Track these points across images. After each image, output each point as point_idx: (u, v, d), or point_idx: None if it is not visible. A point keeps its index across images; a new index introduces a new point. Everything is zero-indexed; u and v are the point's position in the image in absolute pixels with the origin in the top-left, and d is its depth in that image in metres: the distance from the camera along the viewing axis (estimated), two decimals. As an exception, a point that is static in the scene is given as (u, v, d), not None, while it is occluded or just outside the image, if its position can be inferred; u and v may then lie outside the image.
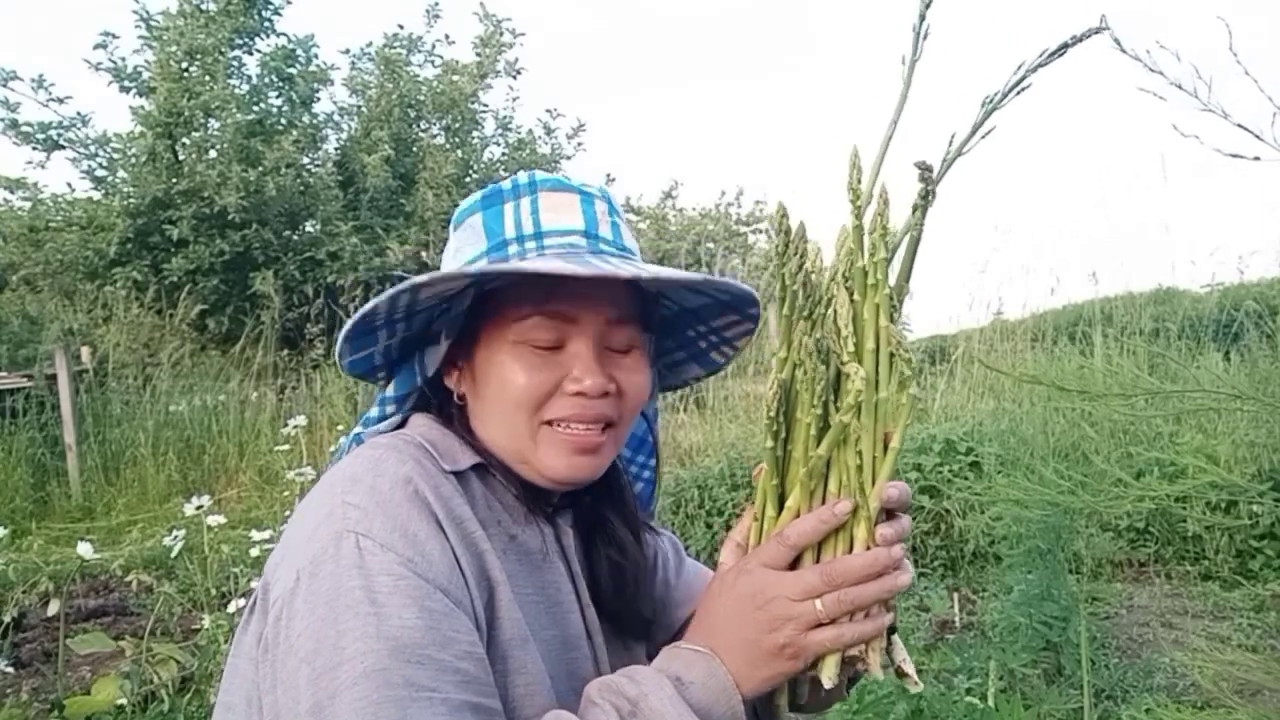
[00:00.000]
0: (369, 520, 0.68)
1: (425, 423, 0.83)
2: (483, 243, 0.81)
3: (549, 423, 0.79)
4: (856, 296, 0.70)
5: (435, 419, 0.84)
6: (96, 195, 10.31)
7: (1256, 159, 1.22)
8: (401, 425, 0.85)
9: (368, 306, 0.76)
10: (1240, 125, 1.20)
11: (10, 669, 3.21)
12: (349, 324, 0.77)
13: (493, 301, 0.80)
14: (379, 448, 0.75)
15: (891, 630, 0.75)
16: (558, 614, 0.81)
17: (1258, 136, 1.20)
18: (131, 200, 9.52)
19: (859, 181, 0.71)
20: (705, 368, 0.97)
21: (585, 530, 0.89)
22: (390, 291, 0.75)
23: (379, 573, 0.65)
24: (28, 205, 10.01)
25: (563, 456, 0.79)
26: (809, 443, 0.71)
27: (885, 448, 0.72)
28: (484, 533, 0.75)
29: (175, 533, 2.88)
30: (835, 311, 0.70)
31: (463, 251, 0.82)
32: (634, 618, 0.90)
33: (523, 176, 0.83)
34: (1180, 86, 1.21)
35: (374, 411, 0.85)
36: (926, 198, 0.71)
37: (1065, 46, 0.71)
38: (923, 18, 0.72)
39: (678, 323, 0.93)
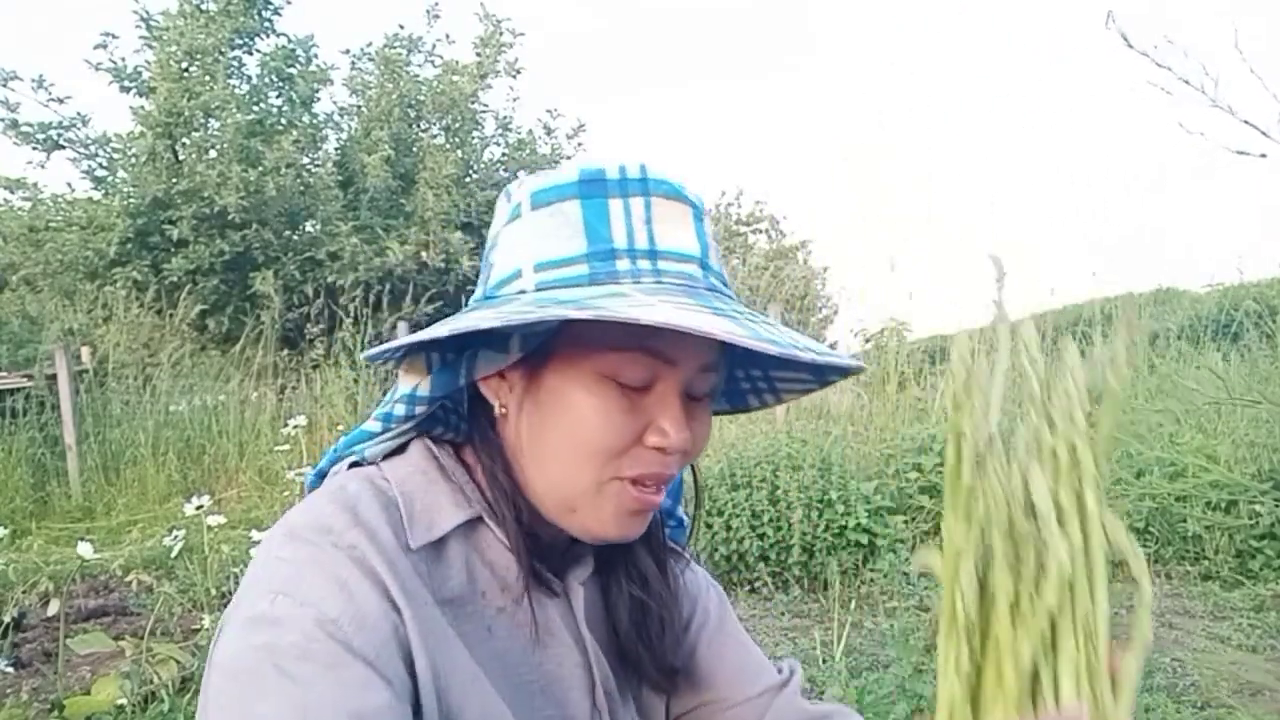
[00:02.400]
0: (296, 580, 0.59)
1: (418, 462, 0.70)
2: (581, 242, 0.65)
3: (618, 477, 0.67)
4: (1050, 482, 0.53)
5: (433, 456, 0.71)
6: (96, 195, 10.32)
7: (1263, 156, 1.22)
8: (403, 448, 0.72)
9: (463, 325, 0.61)
10: (1247, 121, 1.20)
11: (10, 669, 3.21)
12: (428, 335, 0.63)
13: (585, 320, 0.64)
14: (335, 501, 0.64)
15: None
16: (556, 692, 0.72)
17: (1264, 133, 1.20)
18: (131, 200, 9.52)
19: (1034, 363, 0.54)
20: (733, 405, 0.84)
21: (603, 565, 0.78)
22: (493, 325, 0.60)
23: (295, 637, 0.57)
24: (28, 205, 10.01)
25: (621, 517, 0.68)
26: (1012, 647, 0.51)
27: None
28: (446, 612, 0.65)
29: (175, 533, 2.89)
30: (1029, 487, 0.52)
31: (550, 241, 0.66)
32: (657, 665, 0.78)
33: (633, 167, 0.68)
34: (1188, 82, 1.21)
35: (400, 410, 0.69)
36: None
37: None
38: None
39: (730, 361, 0.78)
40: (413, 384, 0.68)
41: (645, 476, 0.67)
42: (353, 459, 0.72)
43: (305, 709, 0.54)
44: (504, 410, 0.69)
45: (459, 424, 0.74)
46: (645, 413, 0.66)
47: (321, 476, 0.74)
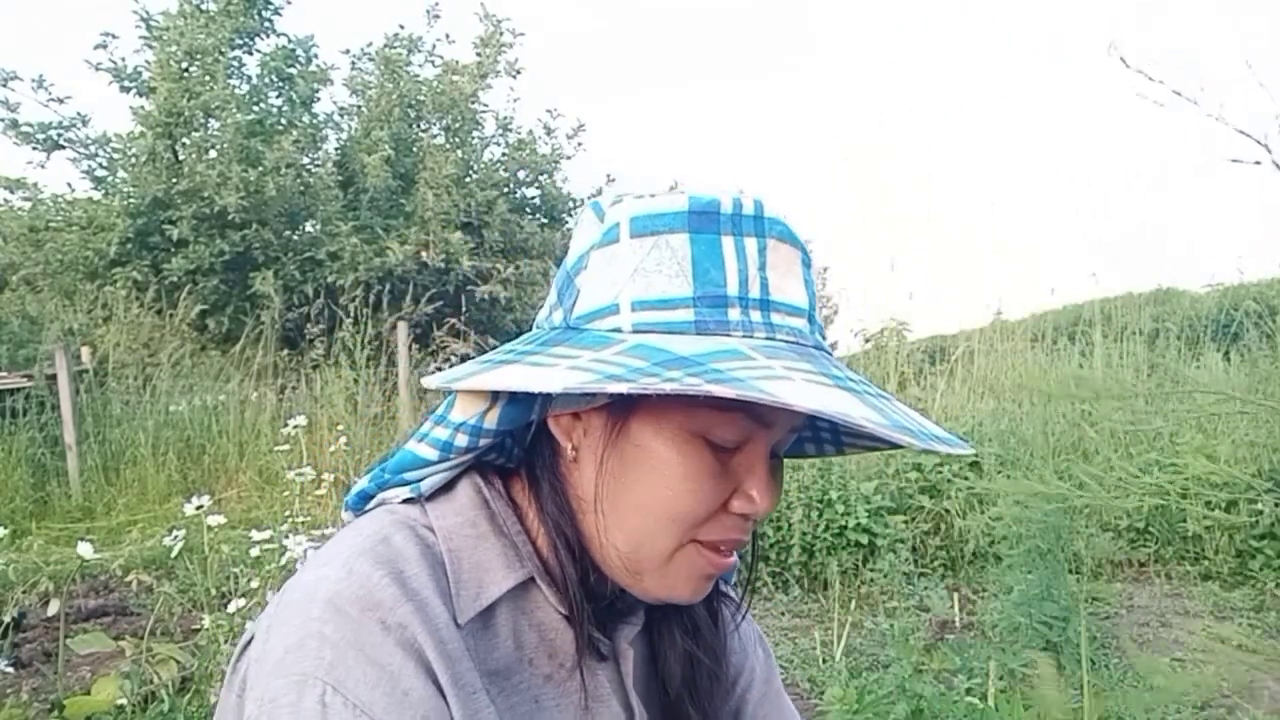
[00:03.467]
0: (344, 669, 0.54)
1: (466, 510, 0.65)
2: (686, 284, 0.59)
3: (695, 541, 0.63)
4: None
5: (483, 502, 0.66)
6: (96, 195, 10.33)
7: (1257, 164, 1.22)
8: (450, 484, 0.66)
9: (577, 382, 0.54)
10: (1241, 131, 1.20)
11: (10, 669, 3.21)
12: (538, 387, 0.55)
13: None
14: (381, 564, 0.58)
15: None
16: None
17: (1259, 142, 1.20)
18: (131, 200, 9.53)
19: None
20: (785, 453, 0.77)
21: (654, 616, 0.73)
22: (628, 391, 0.52)
23: None
24: (28, 205, 10.02)
25: (691, 583, 0.64)
26: None
27: None
28: (492, 686, 0.61)
29: (175, 533, 2.89)
30: None
31: (652, 278, 0.59)
32: None
33: (748, 201, 0.61)
34: (1180, 94, 1.21)
35: (463, 440, 0.62)
36: None
37: None
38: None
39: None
40: (475, 412, 0.62)
41: (721, 541, 0.62)
42: (407, 492, 0.66)
43: None
44: (574, 454, 0.64)
45: (513, 449, 0.69)
46: (733, 476, 0.62)
47: (363, 498, 0.69)
